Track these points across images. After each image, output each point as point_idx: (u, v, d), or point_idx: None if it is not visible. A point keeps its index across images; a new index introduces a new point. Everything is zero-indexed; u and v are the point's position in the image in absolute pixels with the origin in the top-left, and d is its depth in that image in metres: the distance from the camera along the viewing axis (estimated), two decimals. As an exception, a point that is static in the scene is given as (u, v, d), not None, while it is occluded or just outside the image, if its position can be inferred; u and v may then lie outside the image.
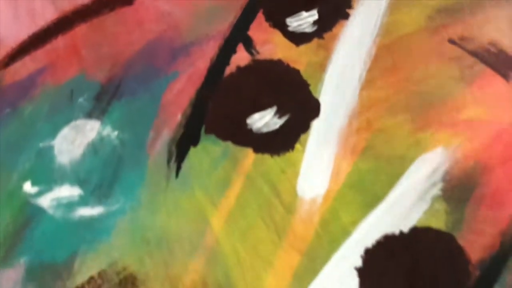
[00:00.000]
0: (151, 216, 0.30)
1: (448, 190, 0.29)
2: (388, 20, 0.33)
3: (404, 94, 0.32)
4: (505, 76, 0.32)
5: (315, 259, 0.28)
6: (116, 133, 0.31)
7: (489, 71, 0.32)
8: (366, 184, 0.30)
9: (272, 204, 0.30)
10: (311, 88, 0.32)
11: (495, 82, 0.32)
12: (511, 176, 0.29)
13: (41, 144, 0.31)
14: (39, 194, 0.30)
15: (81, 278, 0.28)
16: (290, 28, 0.34)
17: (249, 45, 0.33)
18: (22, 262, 0.29)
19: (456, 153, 0.30)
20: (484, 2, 0.33)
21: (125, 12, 0.35)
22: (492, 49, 0.32)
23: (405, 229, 0.29)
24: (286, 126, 0.32)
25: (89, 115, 0.32)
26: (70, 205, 0.30)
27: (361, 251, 0.28)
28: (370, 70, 0.32)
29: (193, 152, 0.31)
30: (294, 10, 0.34)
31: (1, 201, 0.30)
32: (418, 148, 0.30)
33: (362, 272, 0.28)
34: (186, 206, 0.30)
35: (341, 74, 0.32)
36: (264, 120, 0.32)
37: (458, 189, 0.29)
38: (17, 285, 0.28)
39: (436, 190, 0.29)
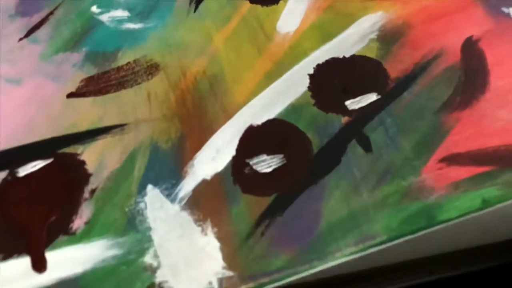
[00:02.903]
0: (174, 32, 0.43)
1: (381, 36, 0.42)
2: None
3: (361, -22, 0.45)
4: (436, -27, 0.45)
5: (281, 66, 0.41)
6: (157, -17, 0.45)
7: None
8: (325, 27, 0.42)
9: (258, 34, 0.43)
10: (296, -31, 0.46)
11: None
12: (426, 32, 0.42)
13: (106, -15, 0.46)
14: (101, 13, 0.44)
15: (121, 62, 0.42)
16: None
17: None
18: (84, 50, 0.42)
19: (391, 15, 0.43)
20: None
21: None
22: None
23: (347, 55, 0.41)
24: (275, -10, 0.45)
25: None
26: (120, 21, 0.44)
27: (314, 65, 0.41)
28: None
29: (207, -1, 0.45)
30: None
31: (76, 15, 0.44)
32: (366, 11, 0.43)
33: (312, 76, 0.40)
34: (198, 29, 0.43)
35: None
36: (260, -15, 0.45)
37: (389, 36, 0.42)
38: (79, 62, 0.42)
39: (373, 35, 0.42)
